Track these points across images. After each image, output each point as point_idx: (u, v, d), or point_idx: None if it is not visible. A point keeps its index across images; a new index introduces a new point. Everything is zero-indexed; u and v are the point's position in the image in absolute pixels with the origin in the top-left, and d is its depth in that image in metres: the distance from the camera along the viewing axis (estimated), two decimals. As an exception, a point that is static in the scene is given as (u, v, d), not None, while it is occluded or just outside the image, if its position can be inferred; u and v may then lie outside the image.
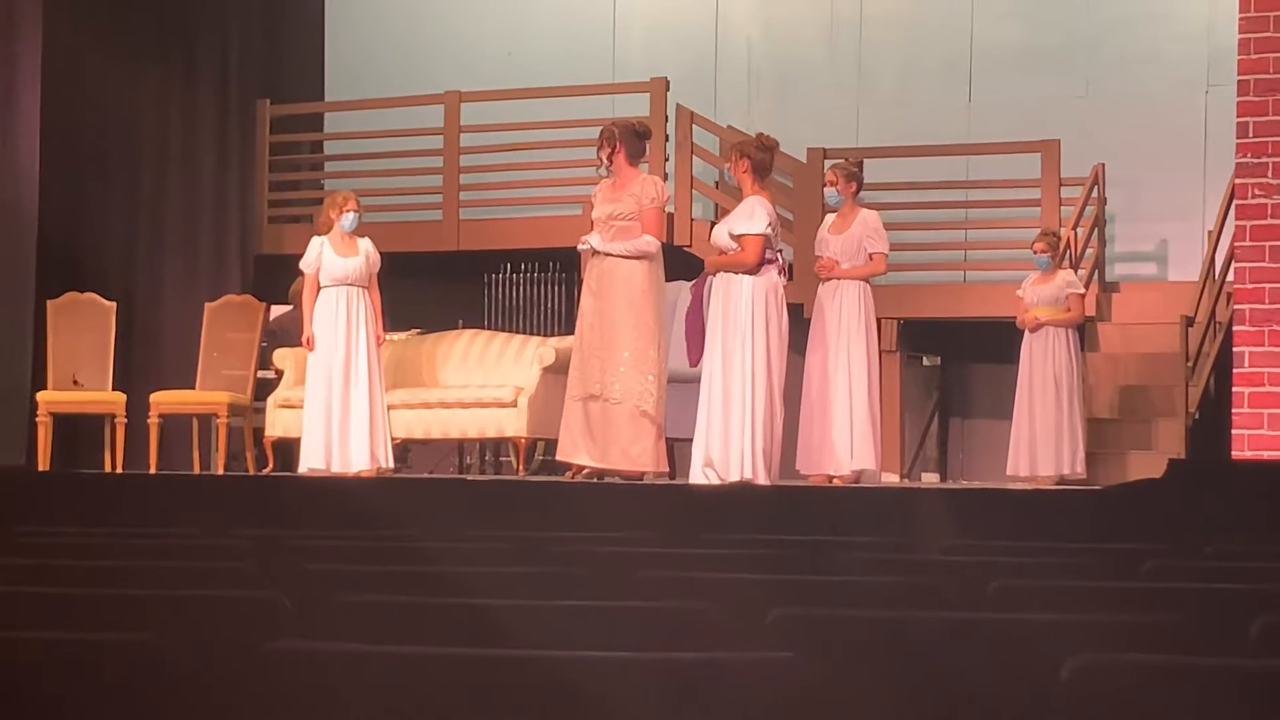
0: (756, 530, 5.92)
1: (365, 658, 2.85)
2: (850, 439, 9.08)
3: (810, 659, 2.85)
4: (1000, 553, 5.00)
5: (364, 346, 9.78)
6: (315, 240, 9.89)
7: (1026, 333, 10.25)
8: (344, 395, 9.72)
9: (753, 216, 8.86)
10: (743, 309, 8.81)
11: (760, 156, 9.02)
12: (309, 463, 9.71)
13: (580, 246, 9.18)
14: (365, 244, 9.89)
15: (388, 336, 10.50)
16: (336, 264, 9.80)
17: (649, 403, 8.97)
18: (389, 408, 10.35)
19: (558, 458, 9.24)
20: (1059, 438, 10.08)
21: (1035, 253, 10.37)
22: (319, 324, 9.76)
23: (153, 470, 10.66)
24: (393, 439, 10.43)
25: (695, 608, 3.51)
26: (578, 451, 9.05)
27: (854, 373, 9.15)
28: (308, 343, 9.79)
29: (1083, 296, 10.39)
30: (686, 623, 3.43)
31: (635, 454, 8.96)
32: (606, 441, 8.97)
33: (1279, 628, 3.27)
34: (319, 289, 9.81)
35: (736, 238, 8.87)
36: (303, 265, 9.91)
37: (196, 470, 11.03)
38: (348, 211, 9.84)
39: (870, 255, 9.32)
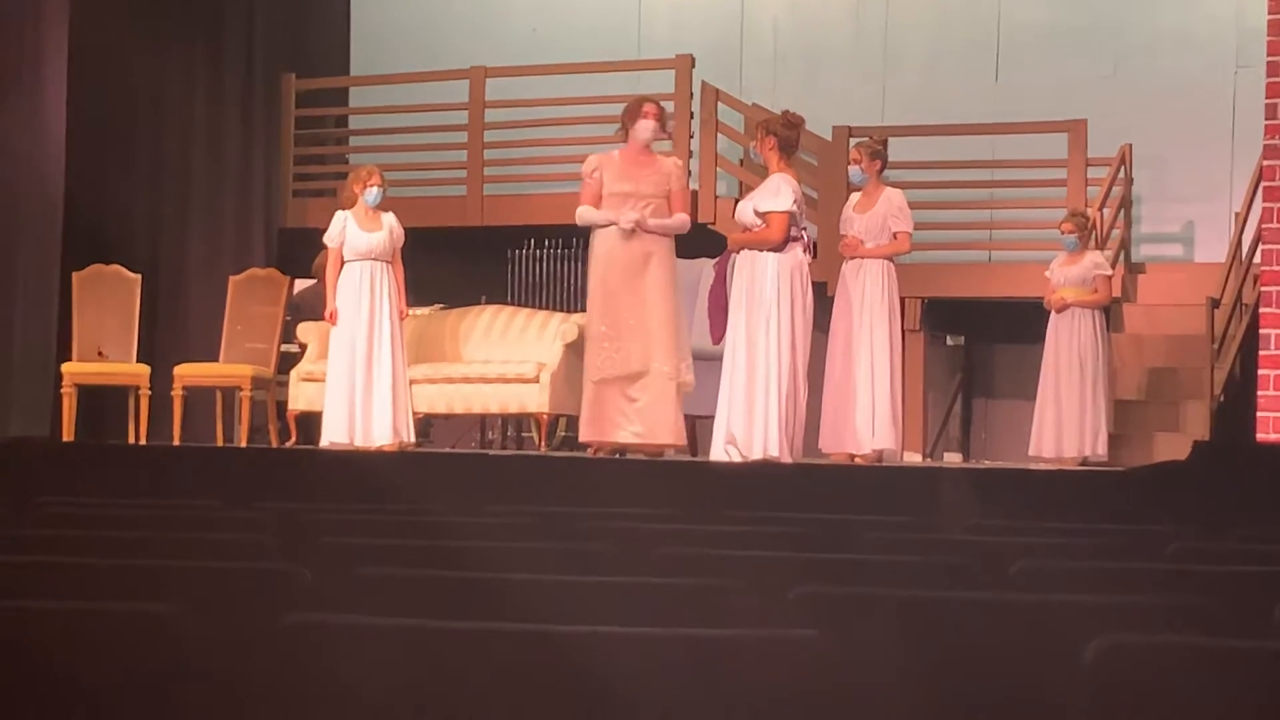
0: (778, 508, 5.91)
1: (384, 631, 2.85)
2: (872, 418, 9.06)
3: (832, 637, 2.84)
4: (1023, 533, 4.98)
5: (387, 321, 9.77)
6: (339, 214, 9.89)
7: (1053, 313, 10.22)
8: (367, 370, 9.72)
9: (778, 193, 8.84)
10: (767, 286, 8.78)
11: (786, 134, 8.99)
12: (331, 436, 9.71)
13: (625, 224, 9.10)
14: (389, 218, 9.89)
15: (411, 311, 10.49)
16: (360, 238, 9.80)
17: (688, 377, 9.06)
18: (411, 382, 10.34)
19: (589, 439, 9.18)
20: (1082, 419, 10.05)
21: (1063, 233, 10.33)
22: (342, 298, 9.76)
23: (176, 442, 10.68)
24: (415, 414, 10.43)
25: (717, 585, 3.50)
26: (616, 430, 9.04)
27: (876, 352, 9.13)
28: (331, 317, 9.79)
29: (1110, 278, 10.34)
30: (708, 599, 3.42)
31: (678, 428, 9.05)
32: (655, 418, 9.00)
33: (1304, 610, 3.25)
34: (342, 263, 9.81)
35: (761, 215, 8.84)
36: (326, 239, 9.91)
37: (219, 443, 11.05)
38: (372, 186, 9.83)
39: (894, 234, 9.29)
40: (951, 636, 3.25)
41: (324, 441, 9.77)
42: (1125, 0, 11.95)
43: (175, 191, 12.32)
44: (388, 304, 9.78)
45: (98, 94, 11.70)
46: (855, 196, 9.55)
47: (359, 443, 9.64)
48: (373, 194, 9.83)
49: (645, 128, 9.27)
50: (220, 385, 11.07)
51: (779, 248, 8.82)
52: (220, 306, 11.22)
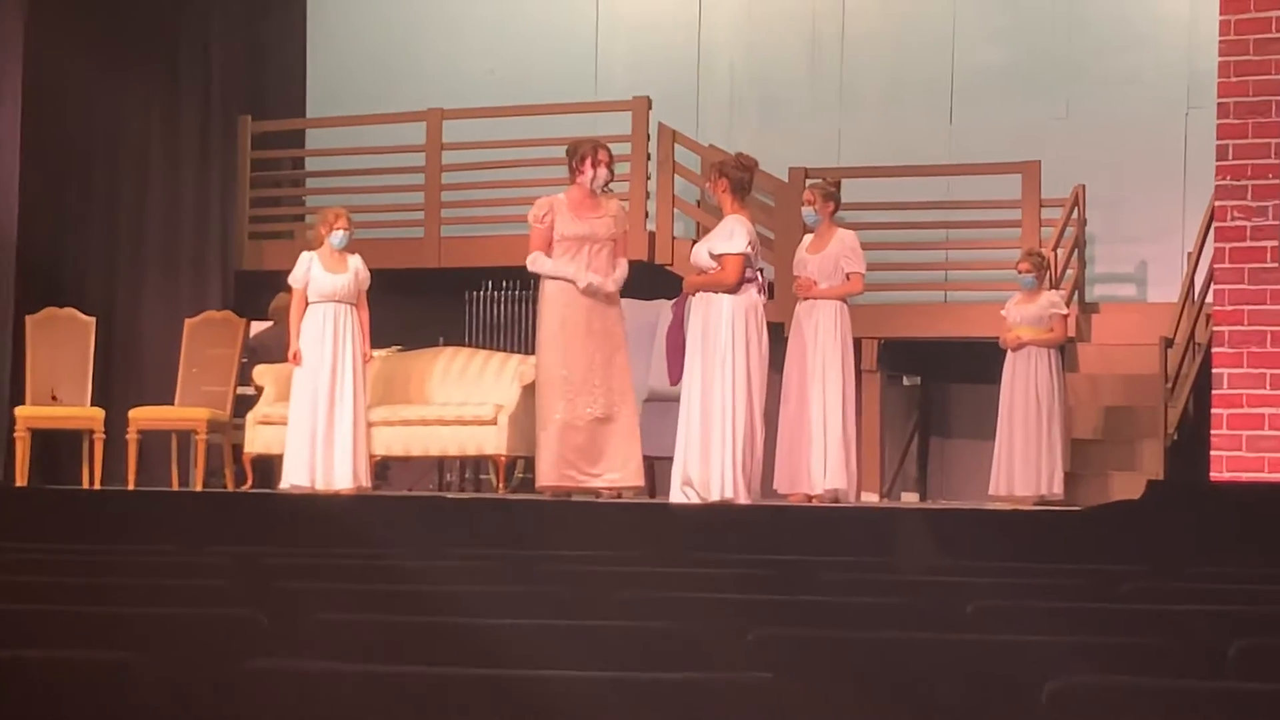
0: (737, 550, 5.92)
1: (343, 677, 2.84)
2: (825, 459, 9.09)
3: (788, 680, 2.85)
4: (980, 573, 5.00)
5: (350, 364, 9.78)
6: (305, 255, 9.90)
7: (1009, 353, 10.27)
8: (329, 412, 9.72)
9: (732, 236, 8.87)
10: (723, 328, 8.81)
11: (739, 175, 9.03)
12: (292, 479, 9.70)
13: (588, 286, 9.15)
14: (355, 261, 9.90)
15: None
16: (325, 280, 9.80)
17: (638, 418, 9.16)
18: (370, 425, 10.33)
19: (552, 483, 9.15)
20: (1039, 458, 10.10)
21: (1020, 273, 10.39)
22: (306, 340, 9.75)
23: (131, 486, 10.63)
24: (372, 456, 10.41)
25: (675, 628, 3.51)
26: (580, 474, 9.06)
27: (829, 392, 9.16)
28: (294, 358, 9.78)
29: (1065, 318, 10.41)
30: (667, 643, 3.43)
31: (638, 468, 9.11)
32: (623, 457, 9.06)
33: (1256, 650, 3.28)
34: (307, 305, 9.81)
35: (716, 257, 8.88)
36: (291, 280, 9.92)
37: (175, 487, 11.00)
38: (338, 229, 9.85)
39: (847, 275, 9.33)
40: (909, 678, 3.26)
41: (284, 484, 9.75)
42: (1078, 43, 12.05)
43: (131, 234, 12.29)
44: (351, 347, 9.78)
45: (52, 136, 11.67)
46: (808, 238, 9.59)
47: (319, 486, 9.62)
48: (339, 236, 9.84)
49: (601, 177, 9.33)
50: (176, 428, 11.03)
51: (734, 289, 8.85)
52: (176, 349, 11.19)
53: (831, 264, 9.33)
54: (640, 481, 9.23)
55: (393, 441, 10.66)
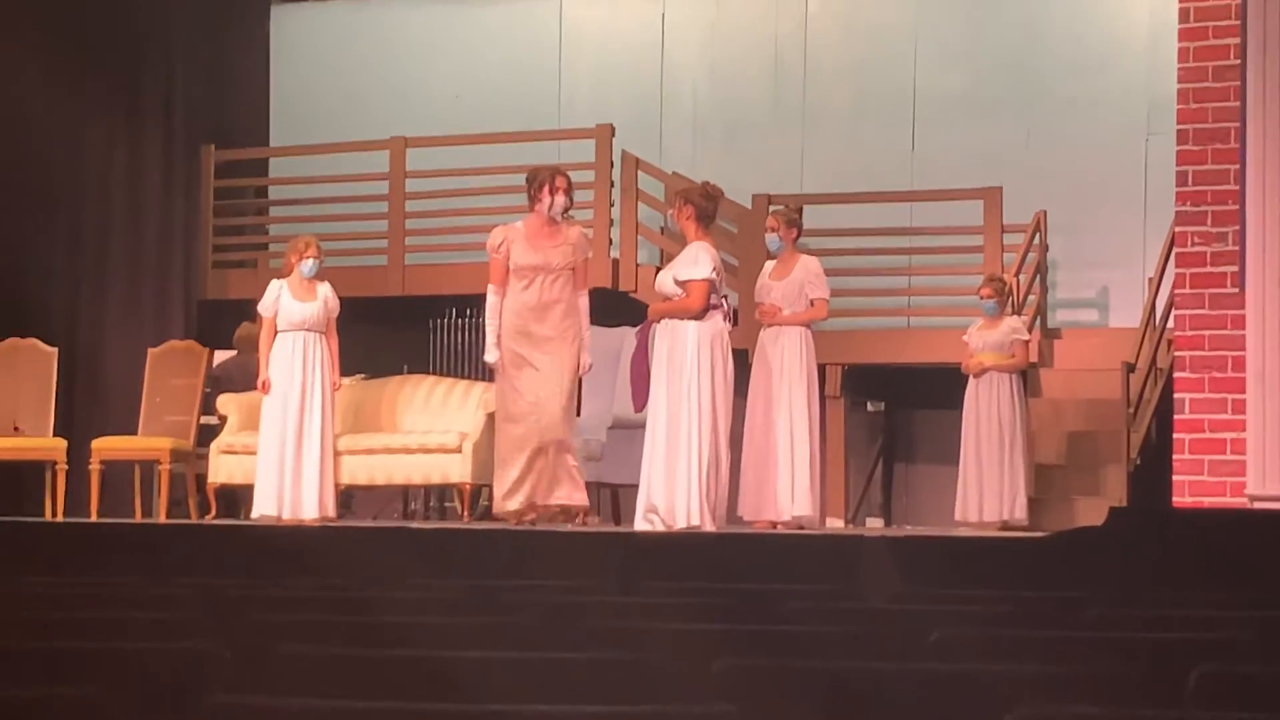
0: (702, 578, 5.92)
1: (307, 713, 2.84)
2: (791, 485, 9.10)
3: (753, 711, 2.86)
4: (944, 601, 5.01)
5: (319, 393, 9.77)
6: (274, 283, 9.90)
7: (971, 378, 10.31)
8: (297, 442, 9.71)
9: (697, 262, 8.88)
10: (688, 355, 8.81)
11: (704, 204, 9.04)
12: (261, 509, 9.69)
13: (490, 361, 9.23)
14: (324, 289, 9.91)
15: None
16: (295, 309, 9.80)
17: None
18: (334, 453, 10.31)
19: (516, 506, 9.14)
20: (1001, 483, 10.14)
21: (982, 298, 10.44)
22: (275, 368, 9.74)
23: (94, 517, 10.58)
24: (338, 485, 10.39)
25: (641, 659, 3.51)
26: (550, 494, 9.08)
27: (795, 419, 9.17)
28: (263, 386, 9.77)
29: (1027, 343, 10.45)
30: (633, 675, 3.43)
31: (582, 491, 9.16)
32: (574, 482, 9.07)
33: (1216, 677, 3.30)
34: (276, 333, 9.80)
35: (681, 283, 8.89)
36: (260, 309, 9.91)
37: (138, 517, 10.95)
38: (308, 257, 9.85)
39: (811, 301, 9.35)
40: (873, 709, 3.27)
41: (254, 513, 9.74)
42: (1038, 69, 12.12)
43: (93, 263, 12.25)
44: (320, 375, 9.78)
45: (14, 164, 11.64)
46: (770, 264, 9.62)
47: (288, 515, 9.61)
48: (309, 265, 9.84)
49: (559, 204, 9.32)
50: (139, 458, 10.98)
51: (699, 316, 8.86)
52: (139, 379, 11.15)
53: (795, 290, 9.35)
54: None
55: (357, 470, 10.63)
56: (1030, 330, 10.89)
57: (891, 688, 3.35)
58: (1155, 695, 3.31)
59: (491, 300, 9.23)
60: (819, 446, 9.32)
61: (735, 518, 9.28)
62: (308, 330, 9.77)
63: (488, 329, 9.23)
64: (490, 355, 9.21)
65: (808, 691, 3.34)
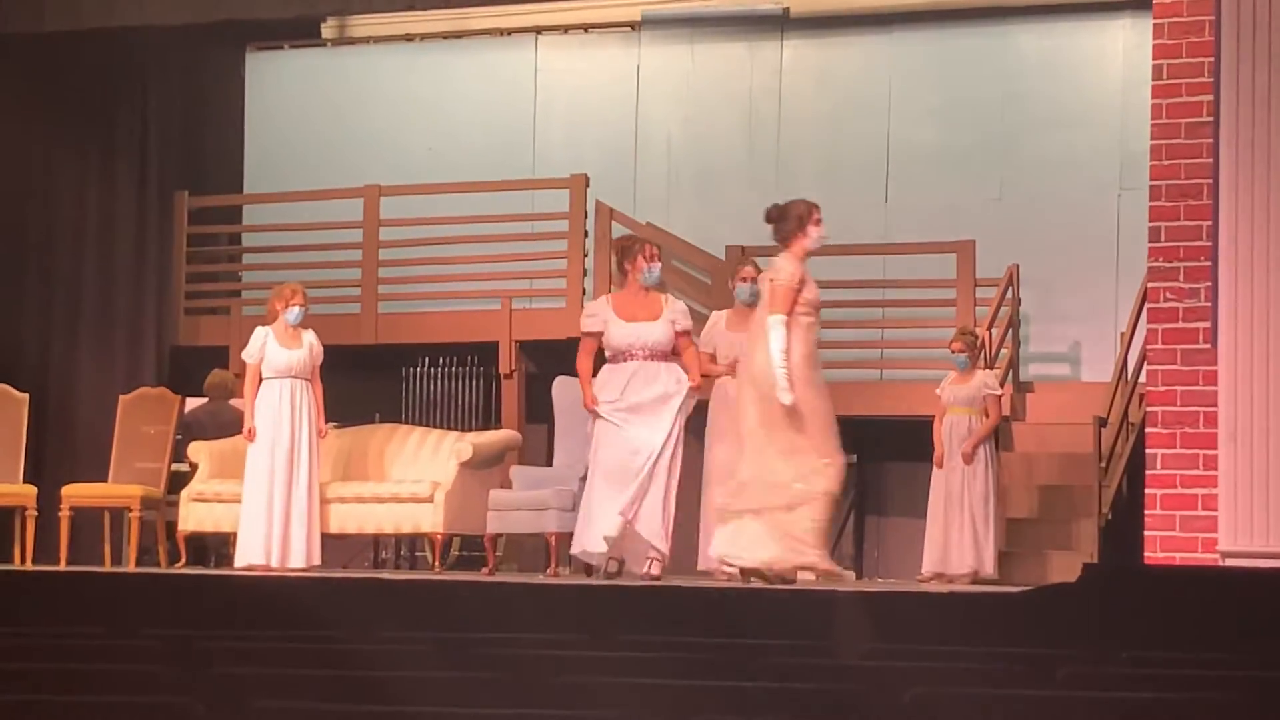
0: (674, 632, 5.90)
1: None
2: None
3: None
4: (917, 657, 5.00)
5: (306, 440, 9.77)
6: (259, 331, 9.90)
7: (940, 428, 10.31)
8: (286, 490, 9.70)
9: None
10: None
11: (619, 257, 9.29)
12: (247, 558, 9.65)
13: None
14: (309, 336, 9.91)
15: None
16: (280, 355, 9.79)
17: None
18: (323, 501, 10.29)
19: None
20: (975, 536, 10.13)
21: (953, 352, 10.46)
22: (261, 416, 9.72)
23: (63, 564, 10.52)
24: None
25: (617, 717, 3.50)
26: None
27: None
28: (249, 434, 9.75)
29: (999, 398, 10.46)
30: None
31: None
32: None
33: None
34: (260, 380, 9.78)
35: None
36: (245, 356, 9.90)
37: (108, 564, 10.89)
38: (294, 304, 9.85)
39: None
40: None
41: (239, 563, 9.71)
42: (1011, 124, 12.19)
43: (65, 308, 12.22)
44: (308, 422, 9.78)
45: (-13, 211, 11.62)
46: (725, 315, 9.66)
47: (275, 564, 9.58)
48: (294, 313, 9.85)
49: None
50: (109, 505, 10.93)
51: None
52: (110, 425, 11.11)
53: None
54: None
55: (328, 519, 10.58)
56: (1002, 384, 10.92)
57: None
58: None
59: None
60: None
61: (690, 568, 9.32)
62: (294, 377, 9.77)
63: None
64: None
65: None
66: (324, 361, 10.15)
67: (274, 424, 9.69)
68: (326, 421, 10.16)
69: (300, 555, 9.63)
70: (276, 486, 9.64)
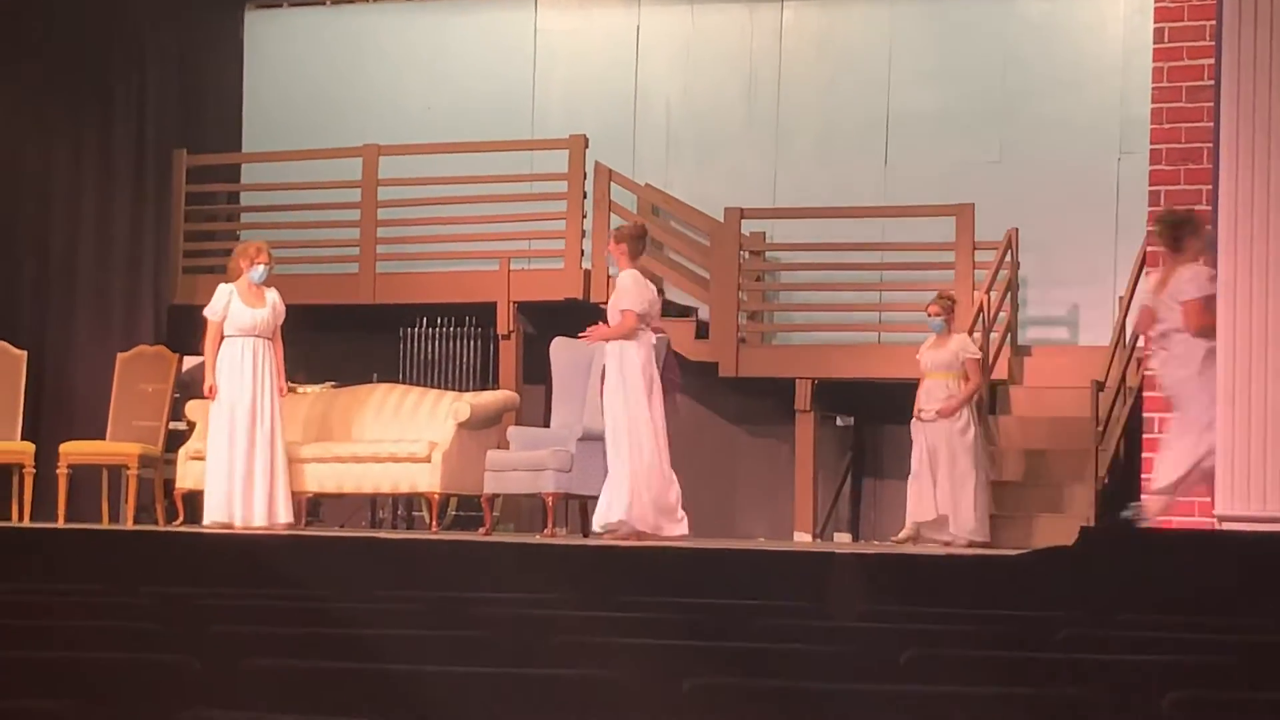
0: (670, 593, 5.91)
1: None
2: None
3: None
4: (914, 619, 5.01)
5: (269, 399, 9.73)
6: (223, 288, 9.85)
7: (920, 390, 10.33)
8: (249, 448, 9.67)
9: (628, 291, 9.25)
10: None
11: (635, 244, 9.38)
12: (213, 516, 9.65)
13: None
14: (272, 295, 9.86)
15: (302, 389, 10.41)
16: (244, 314, 9.76)
17: None
18: (301, 461, 10.28)
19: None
20: (950, 495, 10.15)
21: (929, 316, 10.46)
22: (224, 374, 9.69)
23: (61, 522, 10.53)
24: (305, 493, 10.36)
25: (611, 676, 3.50)
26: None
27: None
28: (210, 392, 9.72)
29: (978, 360, 10.45)
30: (603, 692, 3.42)
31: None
32: None
33: (1191, 702, 3.30)
34: (223, 338, 9.76)
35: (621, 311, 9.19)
36: (208, 312, 9.86)
37: (106, 522, 10.90)
38: (259, 263, 9.81)
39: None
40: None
41: (206, 520, 9.70)
42: (1011, 88, 12.15)
43: (63, 267, 12.19)
44: (269, 382, 9.74)
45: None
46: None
47: (238, 523, 9.56)
48: (259, 271, 9.81)
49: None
50: (107, 463, 10.94)
51: (631, 336, 9.10)
52: (108, 383, 11.11)
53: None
54: None
55: (325, 478, 10.60)
56: (999, 347, 10.91)
57: (864, 709, 3.34)
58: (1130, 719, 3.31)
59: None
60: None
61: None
62: (257, 336, 9.74)
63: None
64: None
65: (778, 712, 3.33)
66: (322, 321, 10.15)
67: (238, 382, 9.66)
68: (318, 382, 10.15)
69: (262, 515, 9.59)
70: (237, 445, 9.63)
